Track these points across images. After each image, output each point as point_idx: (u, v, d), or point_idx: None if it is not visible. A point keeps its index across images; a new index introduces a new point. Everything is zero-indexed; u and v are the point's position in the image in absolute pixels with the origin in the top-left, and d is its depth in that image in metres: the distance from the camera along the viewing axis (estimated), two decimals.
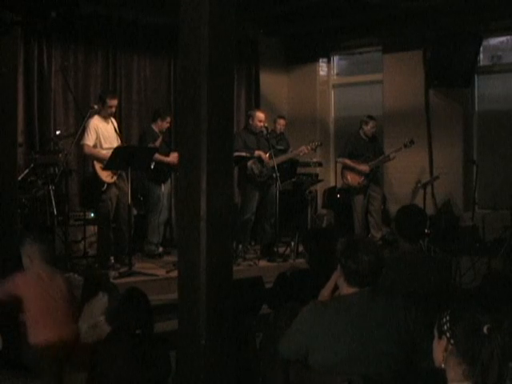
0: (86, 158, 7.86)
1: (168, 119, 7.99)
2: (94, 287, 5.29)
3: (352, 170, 8.76)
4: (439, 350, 2.27)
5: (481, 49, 9.34)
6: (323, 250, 4.34)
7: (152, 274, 6.89)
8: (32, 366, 4.27)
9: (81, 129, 7.19)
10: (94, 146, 7.24)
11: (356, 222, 8.83)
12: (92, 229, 7.62)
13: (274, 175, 7.79)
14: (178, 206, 5.30)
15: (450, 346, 2.22)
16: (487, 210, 9.11)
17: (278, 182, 7.79)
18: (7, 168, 5.51)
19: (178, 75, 4.55)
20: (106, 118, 7.34)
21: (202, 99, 3.67)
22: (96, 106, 7.33)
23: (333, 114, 11.19)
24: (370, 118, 8.86)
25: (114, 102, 7.34)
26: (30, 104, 8.42)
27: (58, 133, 7.74)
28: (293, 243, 8.02)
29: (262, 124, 8.10)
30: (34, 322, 4.23)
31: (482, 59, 9.60)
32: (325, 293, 3.52)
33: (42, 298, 4.24)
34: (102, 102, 7.31)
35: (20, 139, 7.17)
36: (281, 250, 7.98)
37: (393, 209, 9.22)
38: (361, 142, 8.85)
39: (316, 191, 10.26)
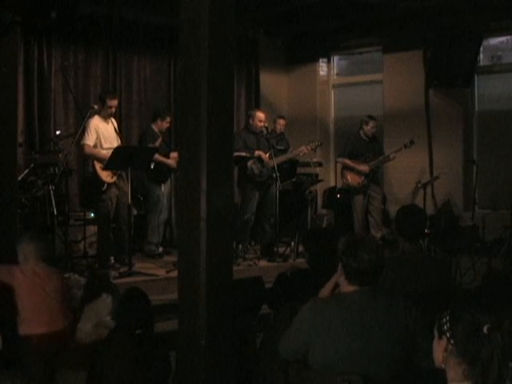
0: (86, 158, 7.86)
1: (168, 119, 7.98)
2: (96, 287, 5.30)
3: (352, 170, 8.76)
4: (439, 350, 2.27)
5: (481, 49, 9.34)
6: (323, 249, 4.34)
7: (152, 274, 6.89)
8: (20, 359, 4.25)
9: (81, 129, 7.18)
10: (95, 146, 7.24)
11: (356, 222, 8.83)
12: (92, 229, 7.61)
13: (274, 175, 7.79)
14: (178, 206, 5.30)
15: (450, 346, 2.22)
16: (487, 209, 9.12)
17: (278, 182, 7.79)
18: (7, 168, 5.52)
19: (178, 75, 4.55)
20: (106, 118, 7.34)
21: (201, 99, 3.67)
22: (96, 106, 7.33)
23: (333, 114, 11.19)
24: (371, 117, 8.86)
25: (114, 103, 7.34)
26: (30, 104, 8.42)
27: (58, 133, 7.74)
28: (293, 243, 8.02)
29: (262, 124, 8.10)
30: (24, 314, 4.22)
31: (482, 59, 9.60)
32: (324, 292, 3.53)
33: (35, 292, 4.22)
34: (102, 102, 7.32)
35: (20, 139, 7.17)
36: (281, 250, 7.98)
37: (393, 209, 9.23)
38: (361, 142, 8.84)
39: (316, 191, 10.26)
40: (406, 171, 9.78)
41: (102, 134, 7.30)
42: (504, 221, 8.17)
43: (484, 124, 9.70)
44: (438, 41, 9.31)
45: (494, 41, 9.60)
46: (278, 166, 7.85)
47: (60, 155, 7.39)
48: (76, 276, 6.50)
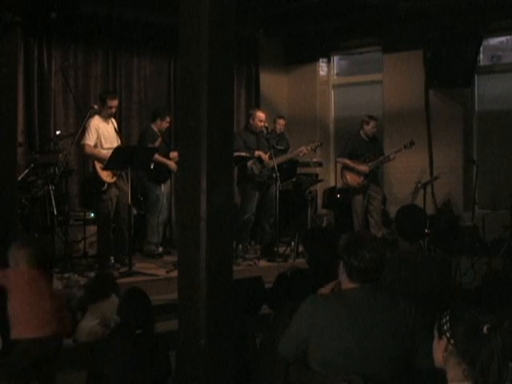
0: (87, 158, 7.86)
1: (168, 119, 7.99)
2: (100, 287, 5.29)
3: (351, 170, 8.75)
4: (439, 350, 2.27)
5: (481, 49, 9.33)
6: (323, 249, 4.34)
7: (152, 274, 6.90)
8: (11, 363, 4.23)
9: (81, 129, 7.19)
10: (95, 146, 7.24)
11: (356, 222, 8.82)
12: (92, 229, 7.61)
13: (274, 175, 7.79)
14: (178, 206, 5.30)
15: (450, 346, 2.22)
16: (487, 210, 9.11)
17: (278, 182, 7.80)
18: (7, 168, 5.51)
19: (178, 75, 4.55)
20: (106, 118, 7.34)
21: (202, 99, 3.67)
22: (96, 106, 7.34)
23: (333, 114, 11.19)
24: (371, 117, 8.85)
25: (115, 103, 7.35)
26: (30, 104, 8.42)
27: (58, 133, 7.74)
28: (293, 243, 8.03)
29: (262, 124, 8.10)
30: (14, 318, 4.19)
31: (482, 59, 9.60)
32: (324, 292, 3.52)
33: (25, 297, 4.17)
34: (102, 102, 7.33)
35: (20, 139, 7.17)
36: (281, 250, 7.98)
37: (393, 209, 9.22)
38: (361, 142, 8.83)
39: (316, 191, 10.26)
40: (406, 171, 9.78)
41: (103, 134, 7.30)
42: (504, 221, 8.16)
43: (484, 124, 9.70)
44: (438, 41, 9.31)
45: (494, 41, 9.60)
46: (277, 166, 7.85)
47: (60, 155, 7.40)
48: (76, 276, 6.51)
